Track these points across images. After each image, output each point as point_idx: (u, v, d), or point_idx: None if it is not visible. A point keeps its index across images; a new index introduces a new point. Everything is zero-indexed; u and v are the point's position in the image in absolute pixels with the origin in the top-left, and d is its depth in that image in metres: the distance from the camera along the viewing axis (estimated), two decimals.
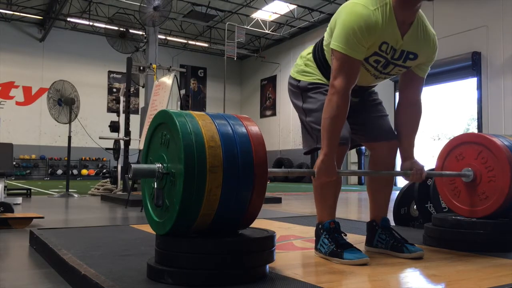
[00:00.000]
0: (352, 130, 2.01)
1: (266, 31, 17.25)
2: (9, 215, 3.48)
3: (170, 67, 7.31)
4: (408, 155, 2.05)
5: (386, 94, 12.04)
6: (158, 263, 1.50)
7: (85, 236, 2.61)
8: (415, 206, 3.07)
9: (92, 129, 13.02)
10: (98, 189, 7.75)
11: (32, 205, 5.44)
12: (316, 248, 2.01)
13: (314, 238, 2.04)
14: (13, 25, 16.83)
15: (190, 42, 18.90)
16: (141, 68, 8.02)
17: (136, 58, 10.36)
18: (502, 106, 10.63)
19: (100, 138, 7.27)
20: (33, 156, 16.93)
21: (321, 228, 2.00)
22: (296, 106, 2.11)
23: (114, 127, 8.13)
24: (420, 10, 1.87)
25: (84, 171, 17.24)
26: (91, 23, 16.30)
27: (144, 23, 9.84)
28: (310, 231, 2.28)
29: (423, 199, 2.92)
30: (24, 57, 16.96)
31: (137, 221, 3.98)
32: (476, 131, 10.96)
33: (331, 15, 2.08)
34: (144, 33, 11.73)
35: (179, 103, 6.82)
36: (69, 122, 7.40)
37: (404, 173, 2.03)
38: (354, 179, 15.21)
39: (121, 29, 10.87)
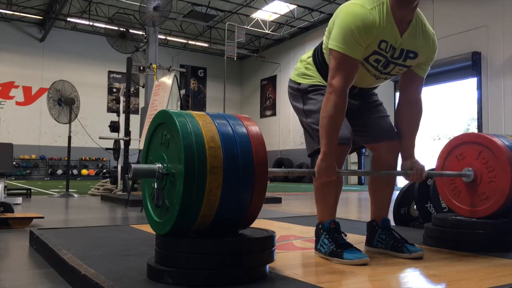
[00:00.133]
0: (353, 132, 2.00)
1: (266, 31, 17.25)
2: (9, 215, 3.48)
3: (170, 67, 7.31)
4: (408, 155, 2.05)
5: (386, 94, 12.05)
6: (158, 263, 1.50)
7: (85, 236, 2.61)
8: (415, 206, 3.07)
9: (92, 129, 13.02)
10: (98, 189, 7.75)
11: (32, 205, 5.44)
12: (316, 248, 2.01)
13: (314, 238, 2.04)
14: (13, 25, 16.84)
15: (190, 42, 18.90)
16: (141, 68, 8.02)
17: (136, 58, 10.36)
18: (502, 106, 10.63)
19: (100, 138, 7.27)
20: (33, 156, 16.94)
21: (321, 228, 2.00)
22: (296, 109, 2.11)
23: (114, 127, 8.13)
24: (418, 9, 1.88)
25: (84, 171, 17.24)
26: (91, 23, 16.30)
27: (144, 23, 9.85)
28: (310, 231, 2.28)
29: (423, 199, 2.92)
30: (24, 57, 16.96)
31: (137, 221, 3.98)
32: (476, 131, 10.96)
33: (331, 15, 2.08)
34: (144, 33, 11.73)
35: (179, 103, 6.83)
36: (69, 122, 7.40)
37: (404, 173, 2.03)
38: (354, 179, 15.20)
39: (121, 29, 10.87)
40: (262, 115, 20.09)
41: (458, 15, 11.54)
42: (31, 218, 3.51)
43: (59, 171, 16.93)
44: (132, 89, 8.23)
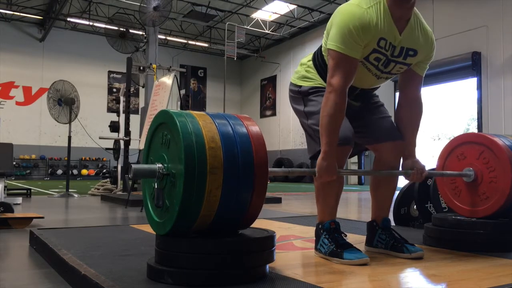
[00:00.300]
0: (355, 133, 2.00)
1: (266, 31, 17.25)
2: (9, 215, 3.48)
3: (170, 67, 7.31)
4: (409, 154, 2.05)
5: (386, 94, 12.05)
6: (158, 263, 1.50)
7: (85, 236, 2.61)
8: (415, 206, 3.07)
9: (92, 129, 13.02)
10: (98, 189, 7.75)
11: (32, 205, 5.44)
12: (316, 248, 2.01)
13: (314, 238, 2.04)
14: (13, 25, 16.83)
15: (190, 42, 18.90)
16: (141, 68, 8.02)
17: (136, 58, 10.36)
18: (502, 106, 10.63)
19: (100, 138, 7.27)
20: (33, 156, 16.93)
21: (321, 228, 2.00)
22: (297, 111, 2.12)
23: (114, 127, 8.14)
24: (415, 8, 1.89)
25: (84, 171, 17.24)
26: (91, 23, 16.30)
27: (144, 23, 9.84)
28: (310, 231, 2.28)
29: (423, 199, 2.92)
30: (24, 57, 16.95)
31: (137, 221, 3.98)
32: (476, 131, 10.96)
33: (331, 15, 2.08)
34: (144, 33, 11.73)
35: (179, 103, 6.82)
36: (69, 122, 7.40)
37: (404, 173, 2.03)
38: (354, 179, 15.21)
39: (121, 29, 10.86)
40: (262, 115, 20.09)
41: (458, 15, 11.54)
42: (31, 218, 3.51)
43: (59, 171, 16.92)
44: (132, 89, 8.23)
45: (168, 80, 6.20)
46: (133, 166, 1.48)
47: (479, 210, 2.21)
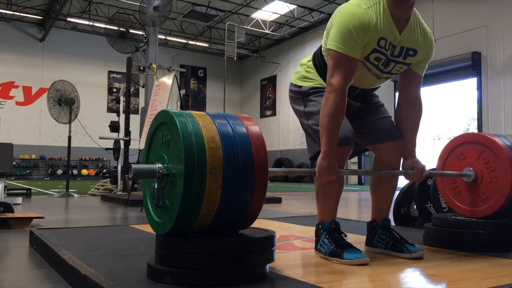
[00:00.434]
0: (356, 134, 2.00)
1: (266, 31, 17.25)
2: (9, 215, 3.48)
3: (170, 67, 7.31)
4: (409, 154, 2.05)
5: (386, 94, 12.04)
6: (158, 263, 1.50)
7: (85, 236, 2.61)
8: (415, 206, 3.07)
9: (92, 129, 13.02)
10: (98, 189, 7.75)
11: (32, 205, 5.44)
12: (316, 248, 2.01)
13: (314, 238, 2.04)
14: (13, 25, 16.83)
15: (190, 42, 18.89)
16: (141, 68, 8.01)
17: (136, 58, 10.36)
18: (502, 106, 10.63)
19: (100, 138, 7.27)
20: (33, 156, 16.93)
21: (321, 228, 2.00)
22: (297, 112, 2.11)
23: (114, 127, 8.13)
24: (414, 8, 1.89)
25: (84, 171, 17.24)
26: (91, 23, 16.30)
27: (144, 23, 9.84)
28: (310, 231, 2.28)
29: (423, 199, 2.92)
30: (24, 57, 16.95)
31: (137, 221, 3.97)
32: (476, 131, 10.96)
33: (331, 15, 2.09)
34: (144, 33, 11.73)
35: (179, 103, 6.82)
36: (69, 122, 7.40)
37: (405, 173, 2.03)
38: (354, 179, 15.21)
39: (121, 29, 10.86)
40: (262, 115, 20.09)
41: (458, 15, 11.54)
42: (31, 218, 3.51)
43: (59, 171, 16.92)
44: (132, 89, 8.23)
45: (168, 80, 6.20)
46: (133, 166, 1.48)
47: (479, 210, 2.21)
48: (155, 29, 10.01)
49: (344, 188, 2.11)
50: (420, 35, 1.93)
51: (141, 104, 13.26)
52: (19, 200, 5.51)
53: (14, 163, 13.51)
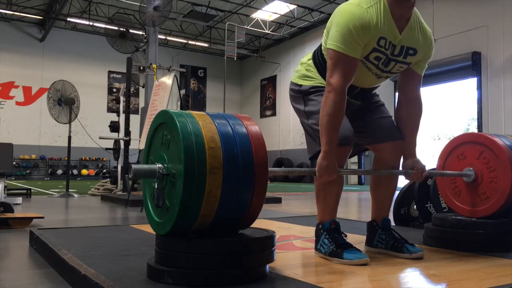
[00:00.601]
0: (356, 133, 2.00)
1: (266, 31, 17.25)
2: (9, 215, 3.48)
3: (170, 67, 7.31)
4: (409, 153, 2.05)
5: (386, 94, 12.04)
6: (158, 263, 1.50)
7: (85, 236, 2.61)
8: (415, 206, 3.07)
9: (92, 129, 13.02)
10: (98, 189, 7.75)
11: (32, 205, 5.44)
12: (316, 248, 2.01)
13: (314, 238, 2.04)
14: (13, 25, 16.83)
15: (190, 42, 18.89)
16: (141, 68, 8.01)
17: (136, 58, 10.36)
18: (502, 106, 10.63)
19: (100, 138, 7.27)
20: (33, 156, 16.93)
21: (321, 228, 2.00)
22: (298, 111, 2.11)
23: (114, 127, 8.13)
24: (414, 8, 1.89)
25: (84, 171, 17.24)
26: (91, 23, 16.30)
27: (144, 23, 9.84)
28: (310, 231, 2.28)
29: (423, 199, 2.92)
30: (24, 57, 16.95)
31: (137, 221, 3.97)
32: (476, 131, 10.96)
33: (331, 15, 2.09)
34: (144, 33, 11.73)
35: (179, 103, 6.82)
36: (69, 122, 7.40)
37: (405, 172, 2.03)
38: (354, 179, 15.21)
39: (121, 29, 10.86)
40: (262, 115, 20.09)
41: (458, 15, 11.54)
42: (31, 218, 3.51)
43: (59, 171, 16.92)
44: (132, 89, 8.23)
45: (168, 80, 6.20)
46: (133, 166, 1.48)
47: (479, 210, 2.21)
48: (155, 29, 10.01)
49: (344, 188, 2.11)
50: (420, 35, 1.93)
51: (141, 104, 13.26)
52: (19, 200, 5.51)
53: (14, 163, 13.50)
